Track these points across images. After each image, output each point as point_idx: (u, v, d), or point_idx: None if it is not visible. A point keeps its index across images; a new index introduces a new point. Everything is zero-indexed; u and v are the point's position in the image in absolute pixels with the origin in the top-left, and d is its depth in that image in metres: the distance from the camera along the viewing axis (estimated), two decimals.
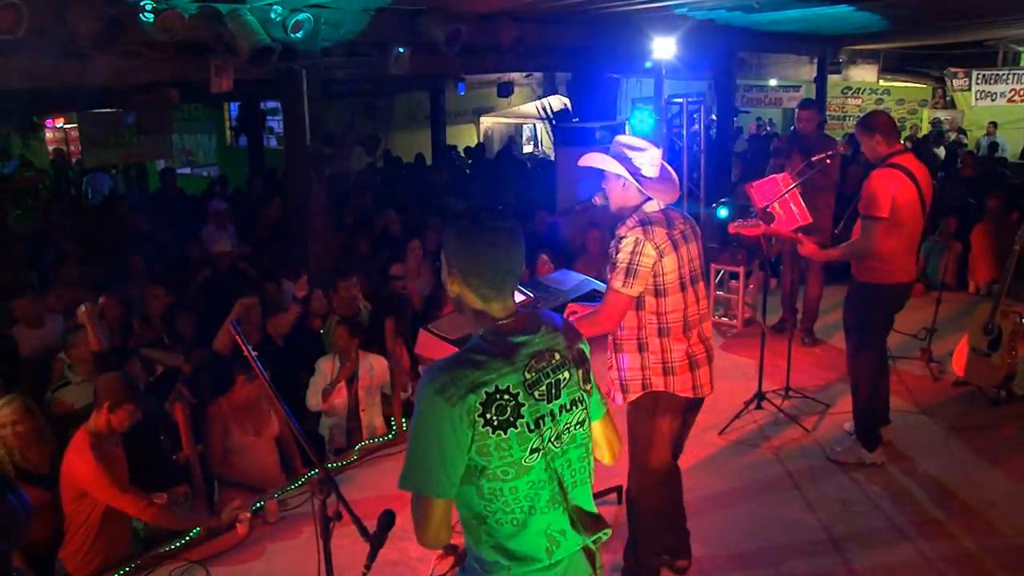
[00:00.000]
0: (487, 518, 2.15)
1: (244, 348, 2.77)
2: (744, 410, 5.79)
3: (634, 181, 3.50)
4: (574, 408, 2.24)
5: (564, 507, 2.22)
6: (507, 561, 2.16)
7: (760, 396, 5.86)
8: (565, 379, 2.22)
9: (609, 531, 2.35)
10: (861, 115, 17.34)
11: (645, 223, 3.47)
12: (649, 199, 3.54)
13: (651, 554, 3.86)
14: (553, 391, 2.19)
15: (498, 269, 2.19)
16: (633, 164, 3.52)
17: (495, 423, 2.08)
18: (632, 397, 3.65)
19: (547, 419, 2.17)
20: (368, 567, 2.45)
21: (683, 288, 3.56)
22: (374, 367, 5.93)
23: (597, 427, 2.40)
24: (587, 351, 2.35)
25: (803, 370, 6.59)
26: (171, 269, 8.10)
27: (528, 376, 2.14)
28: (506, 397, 2.10)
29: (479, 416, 2.06)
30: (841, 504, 4.75)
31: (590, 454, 2.33)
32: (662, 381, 3.59)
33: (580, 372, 2.28)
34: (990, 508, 4.66)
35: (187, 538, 4.45)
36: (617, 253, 3.48)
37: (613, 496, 4.67)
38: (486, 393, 2.07)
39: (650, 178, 3.53)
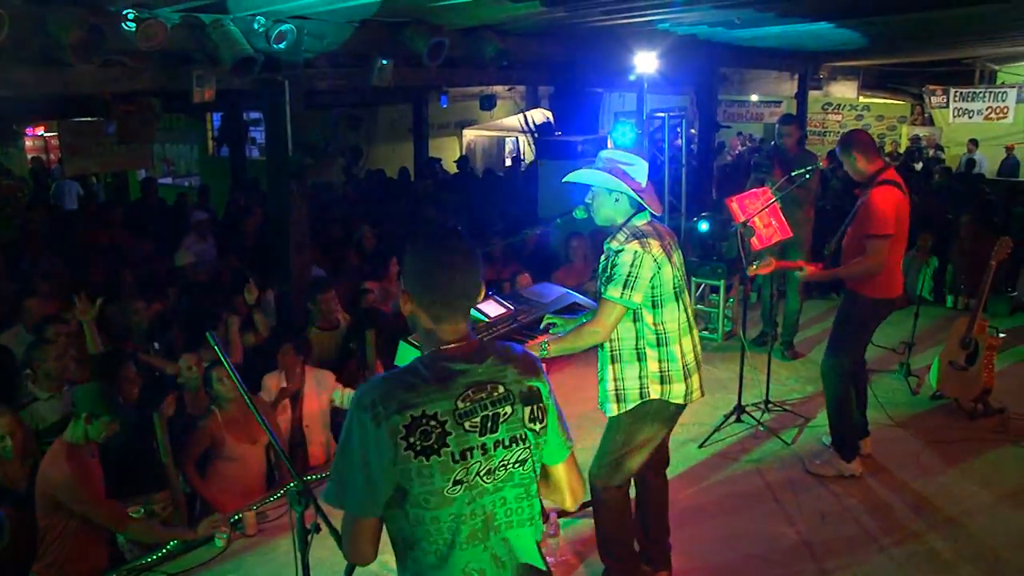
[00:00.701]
0: (414, 545, 2.10)
1: (223, 361, 2.76)
2: (724, 423, 5.80)
3: (636, 196, 3.55)
4: (513, 445, 2.15)
5: (485, 545, 2.13)
6: None
7: (740, 409, 5.88)
8: (506, 414, 2.14)
9: None
10: (841, 131, 17.50)
11: (640, 236, 3.53)
12: (640, 211, 3.59)
13: (623, 548, 3.89)
14: (489, 424, 2.11)
15: (452, 290, 2.14)
16: (632, 179, 3.57)
17: (418, 448, 2.02)
18: (629, 407, 3.68)
19: (476, 451, 2.09)
20: None
21: (676, 298, 3.63)
22: (321, 381, 5.86)
23: (559, 471, 2.32)
24: (543, 390, 2.24)
25: (783, 383, 6.63)
26: (150, 280, 8.05)
27: (460, 405, 2.08)
28: (432, 423, 2.04)
29: (402, 438, 2.01)
30: (820, 516, 4.77)
31: (532, 496, 2.22)
32: (659, 389, 3.64)
33: (527, 409, 2.18)
34: (967, 520, 4.70)
35: (165, 550, 4.41)
36: (614, 267, 3.52)
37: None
38: (411, 416, 2.02)
39: (644, 190, 3.60)
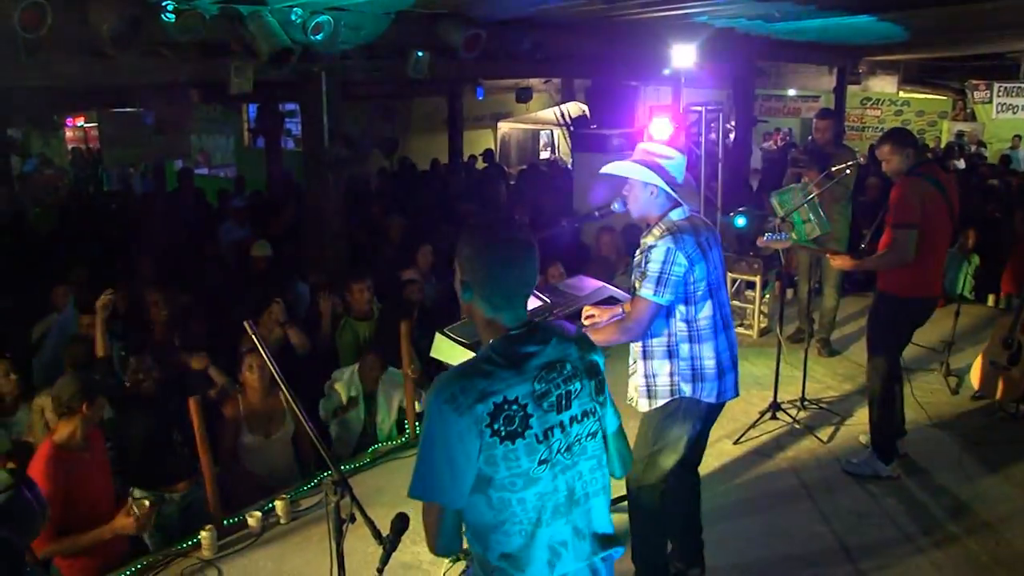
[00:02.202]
0: (496, 528, 2.14)
1: (262, 349, 2.76)
2: (759, 420, 5.75)
3: (671, 191, 3.50)
4: (585, 420, 2.23)
5: (567, 519, 2.20)
6: (513, 571, 2.15)
7: (775, 406, 5.82)
8: (576, 390, 2.21)
9: (622, 549, 2.34)
10: (881, 126, 17.12)
11: (675, 232, 3.48)
12: (676, 206, 3.55)
13: (655, 553, 3.85)
14: (563, 402, 2.18)
15: (512, 282, 2.19)
16: (668, 173, 3.52)
17: (503, 433, 2.07)
18: (660, 403, 3.65)
19: (556, 430, 2.15)
20: (381, 570, 2.44)
21: (712, 295, 3.58)
22: (391, 381, 5.85)
23: (611, 439, 2.38)
24: (601, 363, 2.32)
25: (819, 381, 6.55)
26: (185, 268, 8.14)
27: (537, 387, 2.13)
28: (515, 407, 2.09)
29: (487, 426, 2.06)
30: (856, 517, 4.71)
31: (603, 466, 2.30)
32: (690, 387, 3.59)
33: (593, 383, 2.26)
34: (1007, 523, 4.61)
35: (198, 537, 4.44)
36: (647, 263, 3.48)
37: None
38: (494, 403, 2.07)
39: (681, 185, 3.56)
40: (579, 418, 2.21)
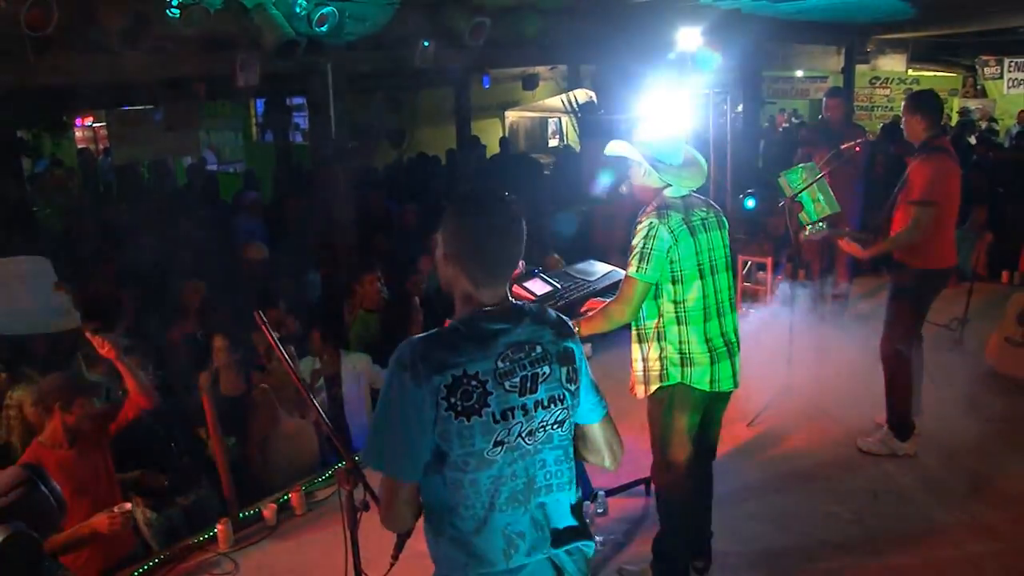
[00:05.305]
0: (452, 510, 2.07)
1: (271, 339, 2.76)
2: (773, 401, 5.72)
3: (650, 167, 3.47)
4: (553, 406, 2.13)
5: (525, 508, 2.11)
6: (465, 559, 2.08)
7: (789, 387, 5.79)
8: (545, 374, 2.11)
9: (591, 544, 2.24)
10: (890, 105, 16.94)
11: (661, 208, 3.47)
12: (670, 185, 3.52)
13: (677, 545, 3.83)
14: (529, 384, 2.08)
15: (496, 256, 2.12)
16: (652, 150, 3.50)
17: (459, 408, 1.99)
18: (652, 389, 3.61)
19: (517, 412, 2.06)
20: (395, 557, 2.44)
21: (702, 276, 3.52)
22: (356, 366, 5.88)
23: (596, 430, 2.30)
24: (577, 351, 2.22)
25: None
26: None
27: (501, 365, 2.05)
28: (473, 383, 2.01)
29: (443, 399, 1.99)
30: (873, 496, 4.70)
31: (570, 459, 2.20)
32: (679, 372, 3.54)
33: (565, 370, 2.16)
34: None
35: (214, 531, 4.46)
36: (632, 239, 3.48)
37: (641, 487, 4.65)
38: (452, 376, 2.00)
39: (671, 164, 3.51)
40: (545, 403, 2.11)
